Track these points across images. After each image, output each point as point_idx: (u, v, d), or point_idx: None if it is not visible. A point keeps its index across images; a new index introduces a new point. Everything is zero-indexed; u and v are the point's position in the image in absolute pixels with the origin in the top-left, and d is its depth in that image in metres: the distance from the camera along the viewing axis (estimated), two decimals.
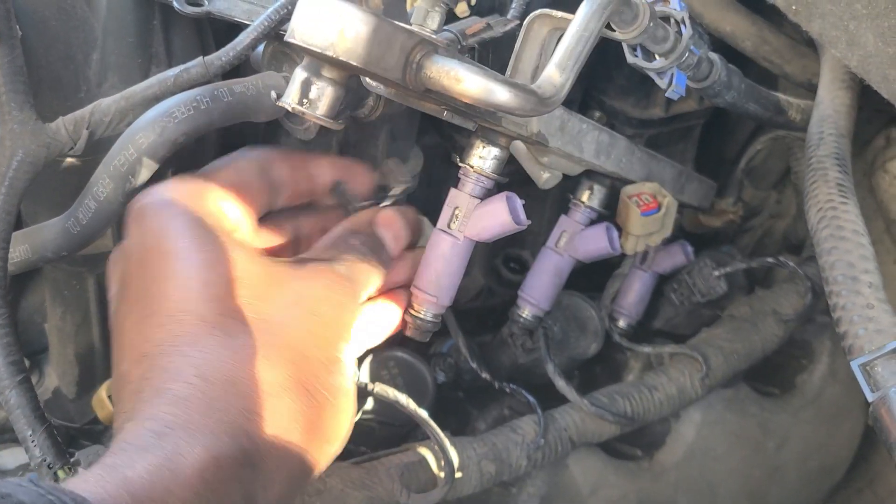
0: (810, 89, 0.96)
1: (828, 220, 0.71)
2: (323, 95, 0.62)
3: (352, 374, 0.67)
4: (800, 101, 0.93)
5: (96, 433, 0.93)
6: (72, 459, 0.70)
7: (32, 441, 0.67)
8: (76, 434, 0.95)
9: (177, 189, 0.67)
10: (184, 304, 0.61)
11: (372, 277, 0.73)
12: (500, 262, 1.13)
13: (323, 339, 0.65)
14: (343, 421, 0.66)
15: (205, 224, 0.65)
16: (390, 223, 0.78)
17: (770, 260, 1.06)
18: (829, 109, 0.84)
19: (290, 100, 0.62)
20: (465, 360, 1.05)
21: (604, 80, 1.02)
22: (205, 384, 0.57)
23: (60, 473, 0.64)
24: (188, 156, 0.74)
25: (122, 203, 0.68)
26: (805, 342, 1.18)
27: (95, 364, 0.92)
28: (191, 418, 0.56)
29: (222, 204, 0.68)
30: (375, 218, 0.78)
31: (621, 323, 1.07)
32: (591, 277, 1.08)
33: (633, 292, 1.07)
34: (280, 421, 0.60)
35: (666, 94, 0.74)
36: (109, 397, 0.85)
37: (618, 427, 0.95)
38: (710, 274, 1.07)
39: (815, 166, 0.77)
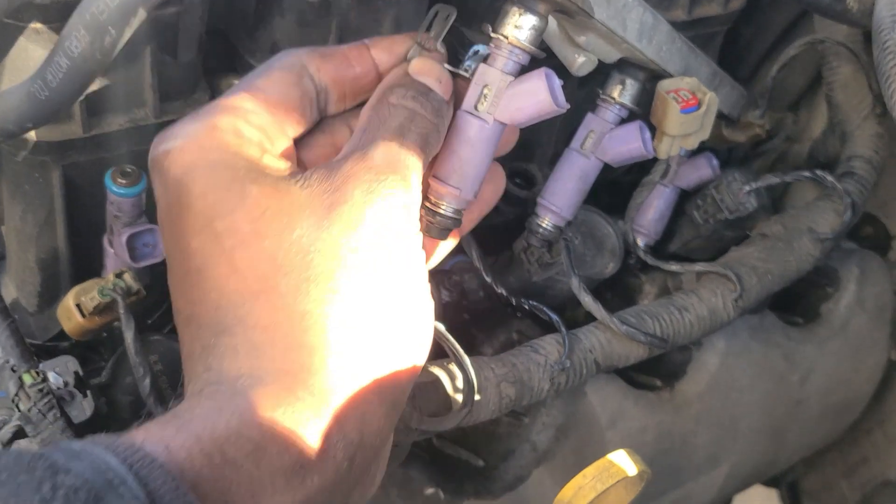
0: None
1: None
2: None
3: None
4: None
5: (62, 350, 0.82)
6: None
7: None
8: (38, 352, 0.84)
9: (189, 129, 0.59)
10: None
11: (427, 137, 0.63)
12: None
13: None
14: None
15: (220, 168, 0.57)
16: (427, 69, 0.66)
17: (806, 174, 0.97)
18: None
19: None
20: (470, 280, 0.95)
21: None
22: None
23: (26, 378, 0.54)
24: None
25: (100, 61, 0.57)
26: (831, 269, 1.10)
27: (60, 270, 0.82)
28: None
29: (245, 130, 0.59)
30: (408, 68, 0.66)
31: (640, 242, 0.98)
32: (596, 198, 0.98)
33: (653, 209, 0.98)
34: None
35: None
36: (78, 306, 0.75)
37: (646, 350, 0.86)
38: (740, 189, 0.98)
39: (894, 49, 0.68)
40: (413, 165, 0.60)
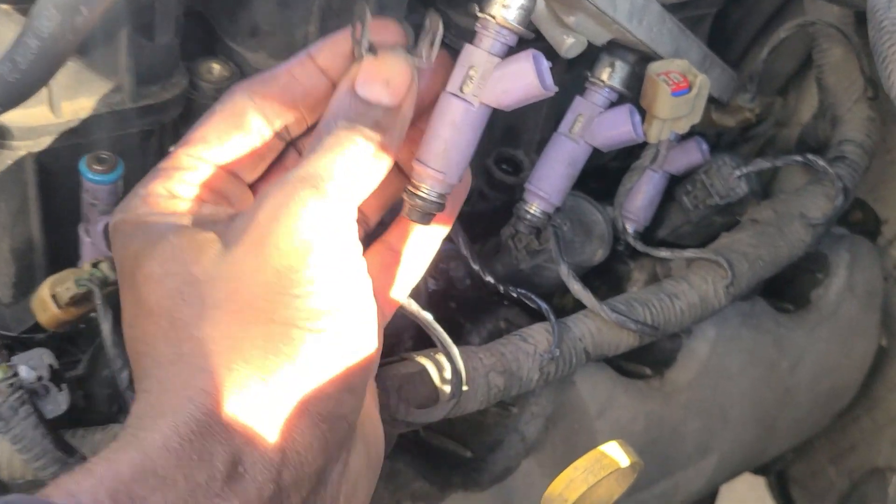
0: None
1: None
2: None
3: None
4: None
5: (37, 342, 0.79)
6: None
7: None
8: (13, 345, 0.81)
9: (129, 202, 0.61)
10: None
11: (359, 154, 0.59)
12: (491, 163, 1.01)
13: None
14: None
15: (147, 229, 0.59)
16: (371, 74, 0.61)
17: (798, 158, 0.95)
18: None
19: None
20: (456, 268, 0.93)
21: None
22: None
23: None
24: None
25: (71, 41, 0.55)
26: (821, 255, 1.09)
27: (35, 260, 0.79)
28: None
29: (179, 191, 0.61)
30: (354, 81, 0.62)
31: (629, 228, 0.96)
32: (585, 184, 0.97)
33: (642, 194, 0.96)
34: None
35: None
36: (53, 297, 0.72)
37: (637, 338, 0.85)
38: (731, 173, 0.96)
39: (891, 28, 0.68)
40: (328, 174, 0.57)
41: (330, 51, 0.64)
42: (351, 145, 0.59)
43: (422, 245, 0.70)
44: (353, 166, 0.58)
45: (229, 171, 0.63)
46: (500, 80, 0.65)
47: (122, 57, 0.72)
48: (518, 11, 0.64)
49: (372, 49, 0.62)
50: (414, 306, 0.71)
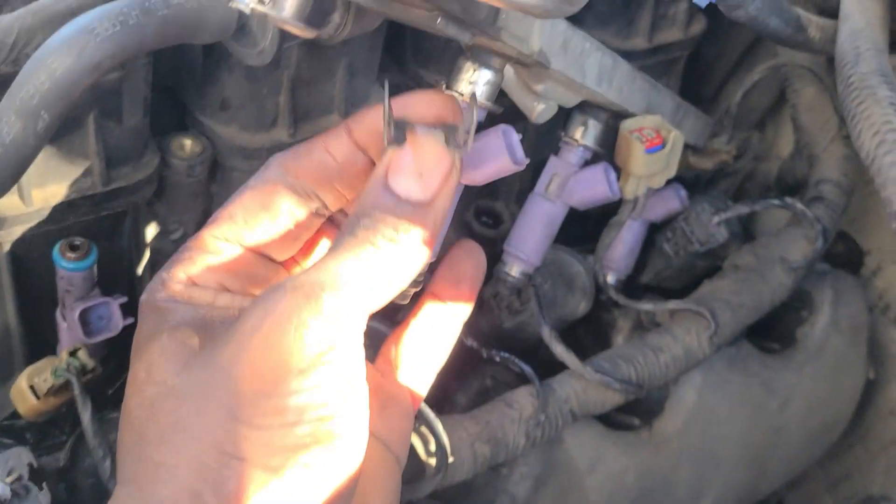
0: (823, 7, 0.86)
1: (889, 144, 0.60)
2: None
3: None
4: (818, 18, 0.82)
5: (17, 430, 0.79)
6: None
7: None
8: None
9: (153, 283, 0.56)
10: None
11: (375, 271, 0.51)
12: (471, 216, 1.01)
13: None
14: None
15: (154, 319, 0.54)
16: (401, 168, 0.54)
17: (775, 202, 0.95)
18: (861, 23, 0.74)
19: None
20: None
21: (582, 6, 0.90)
22: None
23: None
24: None
25: (34, 146, 0.55)
26: (805, 292, 1.08)
27: (13, 349, 0.78)
28: None
29: (198, 278, 0.56)
30: (385, 158, 0.55)
31: (610, 278, 0.96)
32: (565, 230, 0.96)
33: (623, 243, 0.96)
34: None
35: (694, 0, 0.62)
36: (32, 387, 0.72)
37: (623, 396, 0.84)
38: (709, 220, 0.96)
39: (859, 85, 0.67)
40: (336, 283, 0.50)
41: (367, 125, 0.58)
42: (370, 248, 0.51)
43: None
44: (369, 273, 0.51)
45: (258, 253, 0.57)
46: (470, 157, 0.64)
47: (91, 141, 0.72)
48: (485, 87, 0.64)
49: (399, 129, 0.55)
50: None
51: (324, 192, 0.58)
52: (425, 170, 0.54)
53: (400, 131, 0.55)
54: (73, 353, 0.72)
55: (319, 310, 0.48)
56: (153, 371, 0.51)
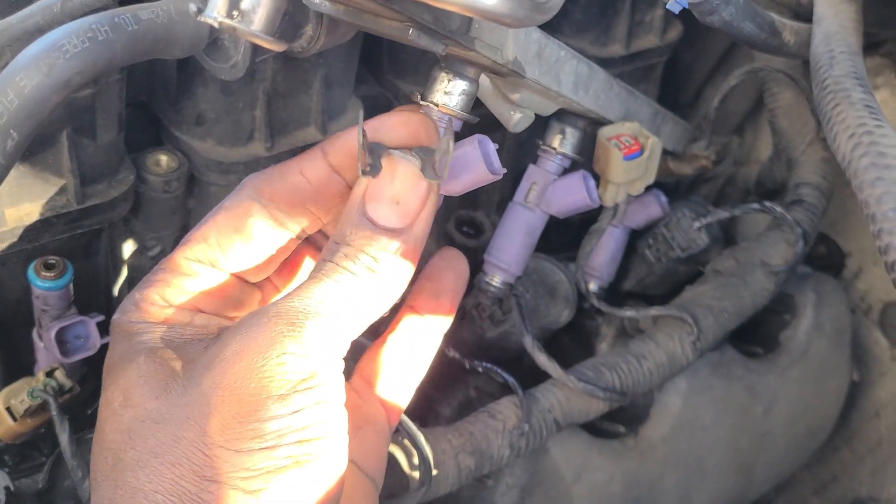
0: (797, 11, 0.86)
1: (865, 146, 0.60)
2: (259, 5, 0.48)
3: None
4: (793, 22, 0.82)
5: None
6: None
7: None
8: None
9: (126, 303, 0.56)
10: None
11: (354, 298, 0.52)
12: (452, 227, 1.01)
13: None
14: None
15: (126, 340, 0.54)
16: (377, 194, 0.54)
17: (755, 206, 0.95)
18: (835, 26, 0.74)
19: (217, 12, 0.48)
20: None
21: (559, 15, 0.90)
22: None
23: None
24: None
25: (4, 165, 0.54)
26: (787, 296, 1.08)
27: None
28: None
29: (173, 298, 0.56)
30: (360, 184, 0.55)
31: (592, 286, 0.96)
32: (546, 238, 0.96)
33: (604, 251, 0.96)
34: None
35: (667, 6, 0.62)
36: (9, 409, 0.71)
37: (607, 404, 0.84)
38: (690, 226, 0.96)
39: (833, 88, 0.67)
40: (315, 310, 0.50)
41: (343, 148, 0.57)
42: (351, 277, 0.51)
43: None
44: (350, 301, 0.51)
45: (233, 274, 0.57)
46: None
47: (65, 159, 0.71)
48: (460, 98, 0.64)
49: (375, 155, 0.54)
50: None
51: (298, 216, 0.57)
52: (402, 197, 0.54)
53: (376, 157, 0.54)
54: (49, 374, 0.72)
55: (301, 337, 0.49)
56: (130, 395, 0.51)
